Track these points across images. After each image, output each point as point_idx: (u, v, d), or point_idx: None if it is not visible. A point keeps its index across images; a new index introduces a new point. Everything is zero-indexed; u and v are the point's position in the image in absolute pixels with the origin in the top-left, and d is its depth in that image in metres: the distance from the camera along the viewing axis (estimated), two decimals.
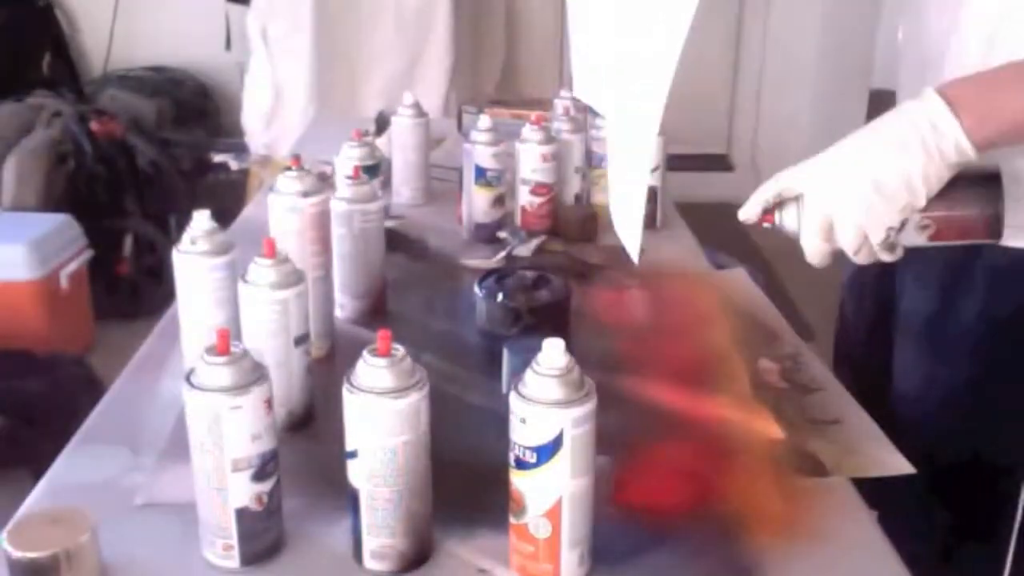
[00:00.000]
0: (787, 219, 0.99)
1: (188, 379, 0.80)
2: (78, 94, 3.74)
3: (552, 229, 1.60)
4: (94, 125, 3.25)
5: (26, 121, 3.24)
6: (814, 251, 0.97)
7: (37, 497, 0.93)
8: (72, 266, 2.97)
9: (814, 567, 0.87)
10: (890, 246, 0.96)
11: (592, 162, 1.69)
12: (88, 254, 3.07)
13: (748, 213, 1.01)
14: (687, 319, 1.36)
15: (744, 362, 1.23)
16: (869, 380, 1.28)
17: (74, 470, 0.98)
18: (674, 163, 1.71)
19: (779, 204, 0.99)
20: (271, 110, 3.08)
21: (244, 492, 0.81)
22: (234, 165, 2.94)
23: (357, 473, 0.81)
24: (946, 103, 0.90)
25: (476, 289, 1.30)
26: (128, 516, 0.88)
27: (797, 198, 0.98)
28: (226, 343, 0.80)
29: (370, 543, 0.83)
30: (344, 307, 1.31)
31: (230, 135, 3.58)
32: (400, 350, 0.81)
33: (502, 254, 1.52)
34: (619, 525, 0.91)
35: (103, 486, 0.87)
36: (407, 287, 1.41)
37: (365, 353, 0.80)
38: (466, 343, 1.29)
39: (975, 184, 0.95)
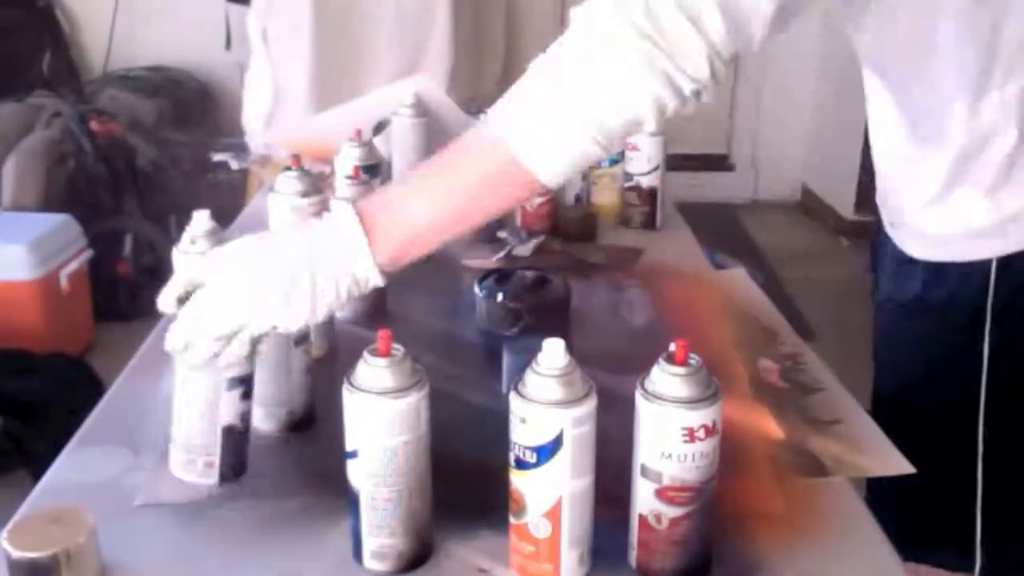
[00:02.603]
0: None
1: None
2: (78, 94, 3.74)
3: (552, 229, 1.60)
4: (94, 125, 3.25)
5: (26, 121, 3.24)
6: (177, 350, 0.86)
7: (37, 497, 0.93)
8: (72, 266, 2.97)
9: (814, 567, 0.87)
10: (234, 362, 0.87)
11: None
12: (88, 254, 3.07)
13: (163, 304, 0.89)
14: (687, 319, 1.36)
15: (744, 362, 1.23)
16: None
17: (74, 470, 0.98)
18: (674, 163, 1.71)
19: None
20: (271, 110, 3.08)
21: (233, 410, 0.85)
22: (234, 165, 2.93)
23: (357, 473, 0.81)
24: (365, 240, 0.87)
25: (476, 289, 1.30)
26: (128, 516, 0.88)
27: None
28: None
29: (370, 543, 0.83)
30: (344, 307, 1.31)
31: (230, 135, 3.58)
32: (400, 350, 0.81)
33: (502, 254, 1.52)
34: (619, 525, 0.91)
35: (103, 486, 0.87)
36: (407, 287, 1.41)
37: (365, 353, 0.80)
38: (466, 343, 1.29)
39: None
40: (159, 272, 3.11)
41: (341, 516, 0.86)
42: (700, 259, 1.61)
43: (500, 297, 1.27)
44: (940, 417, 1.18)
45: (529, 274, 1.33)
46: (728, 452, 1.03)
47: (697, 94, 0.87)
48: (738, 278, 1.51)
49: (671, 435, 0.79)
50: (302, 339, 1.02)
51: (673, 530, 0.81)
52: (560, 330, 1.24)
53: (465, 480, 0.98)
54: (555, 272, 1.36)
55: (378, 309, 1.32)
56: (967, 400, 1.14)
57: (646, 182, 1.65)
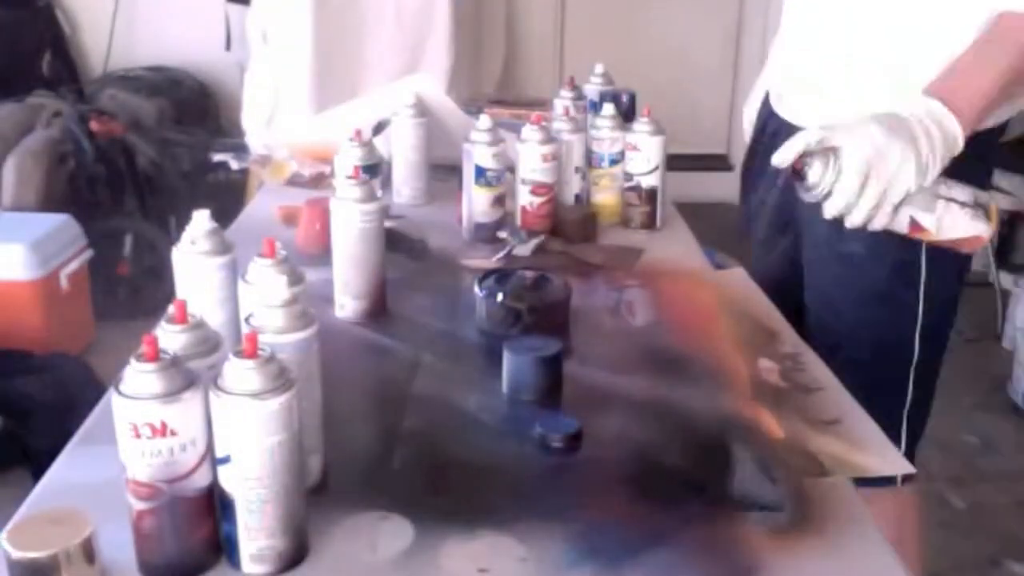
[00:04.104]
0: (813, 170, 1.14)
1: None
2: (78, 94, 3.74)
3: (552, 229, 1.60)
4: (94, 125, 3.25)
5: (26, 121, 3.24)
6: (848, 195, 1.13)
7: (37, 497, 0.93)
8: (72, 266, 2.97)
9: (814, 567, 0.87)
10: (895, 210, 1.15)
11: (592, 162, 1.69)
12: (88, 254, 3.07)
13: (784, 156, 1.17)
14: (687, 319, 1.36)
15: (744, 362, 1.23)
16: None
17: (74, 470, 0.98)
18: (674, 163, 1.71)
19: (807, 157, 1.15)
20: (271, 110, 3.08)
21: None
22: (234, 165, 2.92)
23: (231, 477, 0.80)
24: (945, 106, 1.15)
25: (476, 289, 1.30)
26: (128, 516, 0.88)
27: (827, 154, 1.13)
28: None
29: (248, 547, 0.82)
30: (344, 307, 1.31)
31: (230, 135, 3.58)
32: (267, 350, 0.79)
33: (502, 254, 1.52)
34: (619, 525, 0.91)
35: (103, 486, 0.87)
36: (407, 287, 1.41)
37: (231, 355, 0.79)
38: (466, 343, 1.29)
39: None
40: (159, 272, 3.13)
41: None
42: (700, 259, 1.61)
43: (500, 297, 1.27)
44: (882, 335, 1.38)
45: (529, 274, 1.33)
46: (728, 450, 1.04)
47: None
48: (738, 278, 1.51)
49: (122, 429, 0.77)
50: None
51: (140, 523, 0.80)
52: (560, 330, 1.25)
53: (465, 480, 0.98)
54: (555, 272, 1.36)
55: (378, 309, 1.32)
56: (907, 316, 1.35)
57: (646, 182, 1.64)
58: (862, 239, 1.27)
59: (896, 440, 1.35)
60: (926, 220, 1.17)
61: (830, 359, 1.26)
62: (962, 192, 1.18)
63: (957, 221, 1.19)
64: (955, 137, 1.15)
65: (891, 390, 1.40)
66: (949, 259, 1.31)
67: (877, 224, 1.15)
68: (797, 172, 1.15)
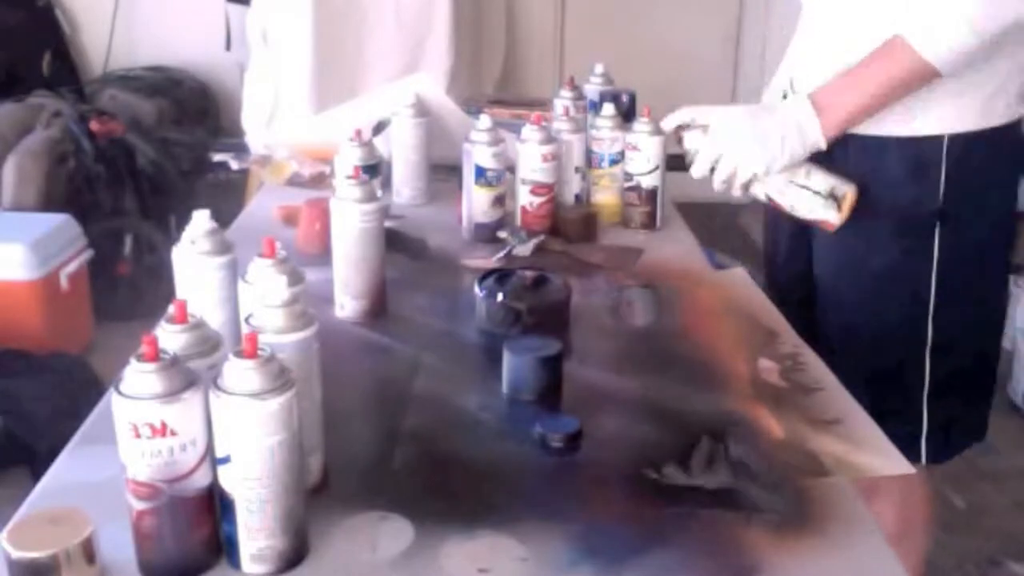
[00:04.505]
0: (690, 139, 1.42)
1: None
2: (78, 94, 3.74)
3: (552, 229, 1.60)
4: (94, 125, 3.25)
5: (26, 121, 3.24)
6: (700, 168, 1.40)
7: (37, 497, 0.93)
8: (72, 266, 2.97)
9: (814, 567, 0.87)
10: (744, 187, 1.39)
11: (592, 162, 1.69)
12: (88, 254, 3.07)
13: (668, 125, 1.46)
14: (687, 319, 1.36)
15: (744, 362, 1.23)
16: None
17: (74, 470, 0.98)
18: (674, 163, 1.71)
19: (687, 127, 1.42)
20: (271, 110, 3.08)
21: None
22: (234, 165, 2.92)
23: (231, 477, 0.80)
24: (813, 108, 1.32)
25: (476, 289, 1.30)
26: (128, 516, 0.88)
27: (703, 127, 1.40)
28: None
29: (249, 547, 0.82)
30: (344, 307, 1.31)
31: (230, 135, 3.58)
32: (267, 350, 0.79)
33: (502, 254, 1.52)
34: (619, 525, 0.91)
35: (103, 486, 0.87)
36: (407, 287, 1.41)
37: (231, 355, 0.79)
38: (466, 343, 1.29)
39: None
40: (159, 272, 3.13)
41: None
42: (700, 259, 1.61)
43: (500, 297, 1.27)
44: (892, 315, 1.41)
45: (529, 274, 1.33)
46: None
47: None
48: (738, 278, 1.52)
49: (122, 429, 0.77)
50: None
51: (140, 523, 0.80)
52: (560, 330, 1.25)
53: (465, 480, 0.98)
54: (555, 272, 1.36)
55: (378, 309, 1.32)
56: (918, 298, 1.38)
57: (646, 182, 1.65)
58: (878, 216, 1.35)
59: (917, 425, 1.41)
60: (781, 200, 1.39)
61: (840, 339, 1.32)
62: (821, 182, 1.36)
63: (808, 206, 1.37)
64: (815, 138, 1.32)
65: (907, 373, 1.41)
66: (966, 243, 1.36)
67: (734, 194, 1.40)
68: (679, 139, 1.44)
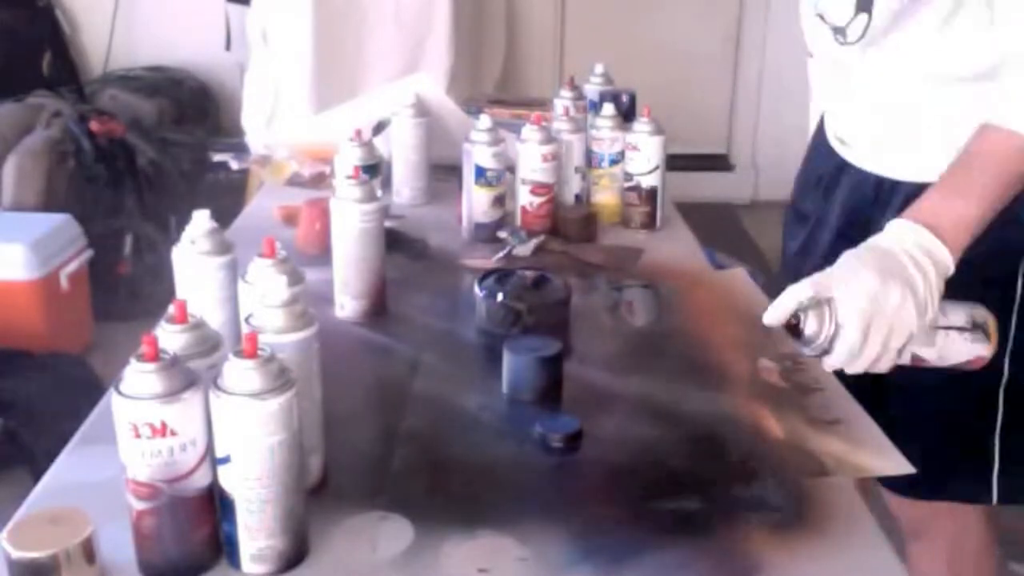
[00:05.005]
0: (809, 325, 1.04)
1: None
2: (78, 94, 3.74)
3: (552, 229, 1.60)
4: (94, 125, 3.25)
5: (26, 121, 3.24)
6: (850, 350, 1.02)
7: (37, 497, 0.93)
8: (72, 266, 2.97)
9: (814, 567, 0.87)
10: (899, 353, 1.05)
11: (592, 162, 1.69)
12: (88, 254, 3.07)
13: (776, 315, 1.06)
14: (687, 319, 1.36)
15: (744, 362, 1.23)
16: None
17: (74, 470, 0.98)
18: (674, 163, 1.71)
19: (800, 311, 1.05)
20: (271, 110, 3.08)
21: None
22: (234, 165, 2.92)
23: (231, 477, 0.80)
24: (931, 232, 1.05)
25: (476, 289, 1.30)
26: (128, 516, 0.88)
27: (822, 305, 1.03)
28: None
29: (249, 547, 0.82)
30: (344, 307, 1.31)
31: (230, 135, 3.58)
32: (267, 350, 0.79)
33: (502, 254, 1.52)
34: (619, 525, 0.91)
35: (103, 486, 0.87)
36: (407, 287, 1.41)
37: (231, 355, 0.79)
38: (466, 343, 1.29)
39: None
40: (159, 272, 3.13)
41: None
42: (700, 259, 1.61)
43: (500, 297, 1.27)
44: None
45: (529, 274, 1.33)
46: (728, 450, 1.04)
47: None
48: (738, 278, 1.51)
49: (122, 429, 0.77)
50: None
51: (140, 523, 0.80)
52: (560, 330, 1.25)
53: (465, 480, 0.98)
54: (555, 272, 1.36)
55: (378, 309, 1.32)
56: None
57: (646, 182, 1.64)
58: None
59: (988, 459, 1.30)
60: (928, 354, 1.11)
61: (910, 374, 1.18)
62: (958, 315, 1.11)
63: (958, 348, 1.12)
64: (947, 267, 1.05)
65: (979, 410, 1.30)
66: None
67: (881, 368, 1.05)
68: (791, 328, 1.06)
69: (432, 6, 3.19)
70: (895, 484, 1.02)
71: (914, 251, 1.05)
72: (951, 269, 1.06)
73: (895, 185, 1.30)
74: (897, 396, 1.21)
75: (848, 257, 1.06)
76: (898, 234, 1.06)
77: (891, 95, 1.28)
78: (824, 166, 1.44)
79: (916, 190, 1.17)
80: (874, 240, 1.07)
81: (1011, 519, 2.41)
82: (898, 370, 1.19)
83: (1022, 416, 1.30)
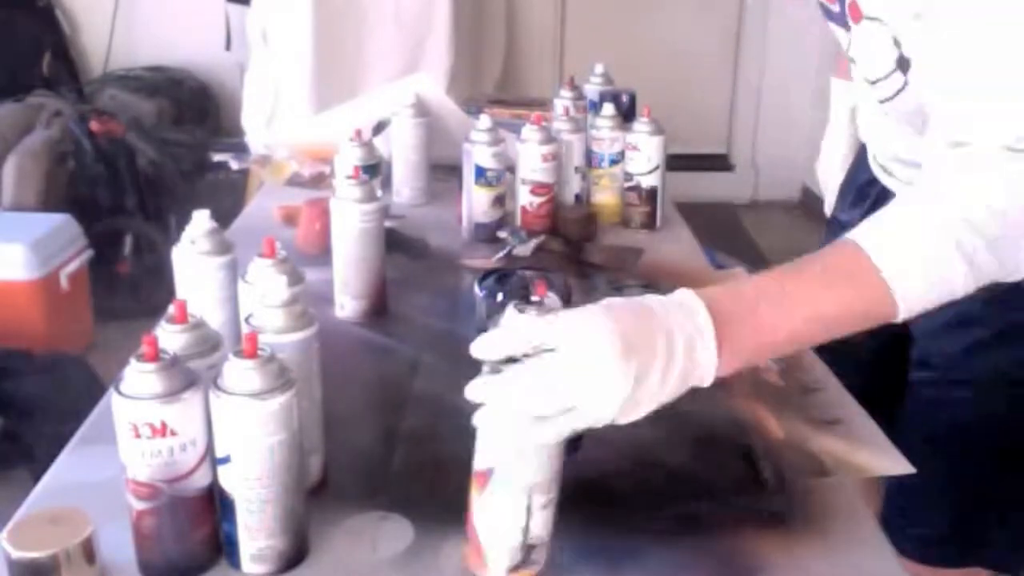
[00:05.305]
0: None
1: None
2: (78, 94, 3.74)
3: (552, 229, 1.60)
4: (94, 125, 3.25)
5: (26, 121, 3.24)
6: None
7: (37, 497, 0.93)
8: (72, 266, 2.97)
9: (814, 567, 0.87)
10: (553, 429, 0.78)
11: (592, 162, 1.69)
12: (88, 254, 3.07)
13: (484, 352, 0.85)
14: None
15: None
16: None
17: (74, 470, 0.98)
18: (674, 163, 1.71)
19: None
20: (271, 110, 3.08)
21: None
22: (234, 165, 2.93)
23: (231, 477, 0.80)
24: (714, 334, 0.78)
25: (476, 289, 1.30)
26: (128, 516, 0.88)
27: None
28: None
29: (249, 547, 0.82)
30: (344, 307, 1.31)
31: (230, 135, 3.58)
32: (267, 350, 0.79)
33: (502, 254, 1.52)
34: (619, 525, 0.91)
35: (103, 486, 0.87)
36: (407, 287, 1.41)
37: (231, 355, 0.78)
38: (466, 343, 1.28)
39: None
40: (159, 272, 3.13)
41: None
42: (700, 259, 1.61)
43: (500, 297, 1.27)
44: (1001, 423, 1.15)
45: (529, 274, 1.33)
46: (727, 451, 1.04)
47: None
48: (738, 278, 1.51)
49: (122, 429, 0.77)
50: None
51: (140, 523, 0.80)
52: None
53: (465, 480, 0.98)
54: (555, 272, 1.36)
55: (378, 309, 1.32)
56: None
57: (646, 182, 1.64)
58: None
59: None
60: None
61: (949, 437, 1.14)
62: None
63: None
64: (702, 377, 0.78)
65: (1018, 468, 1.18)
66: None
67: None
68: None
69: (432, 6, 3.19)
70: (917, 551, 0.94)
71: (674, 341, 0.77)
72: (706, 378, 0.79)
73: None
74: (933, 448, 1.12)
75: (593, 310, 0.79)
76: (668, 311, 0.79)
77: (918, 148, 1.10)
78: (863, 178, 1.37)
79: None
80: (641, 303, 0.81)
81: None
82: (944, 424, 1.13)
83: None
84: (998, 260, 0.81)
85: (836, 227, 1.44)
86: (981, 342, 1.14)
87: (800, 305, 0.81)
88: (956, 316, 1.06)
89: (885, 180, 1.29)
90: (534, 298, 0.86)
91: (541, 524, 0.81)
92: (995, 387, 1.15)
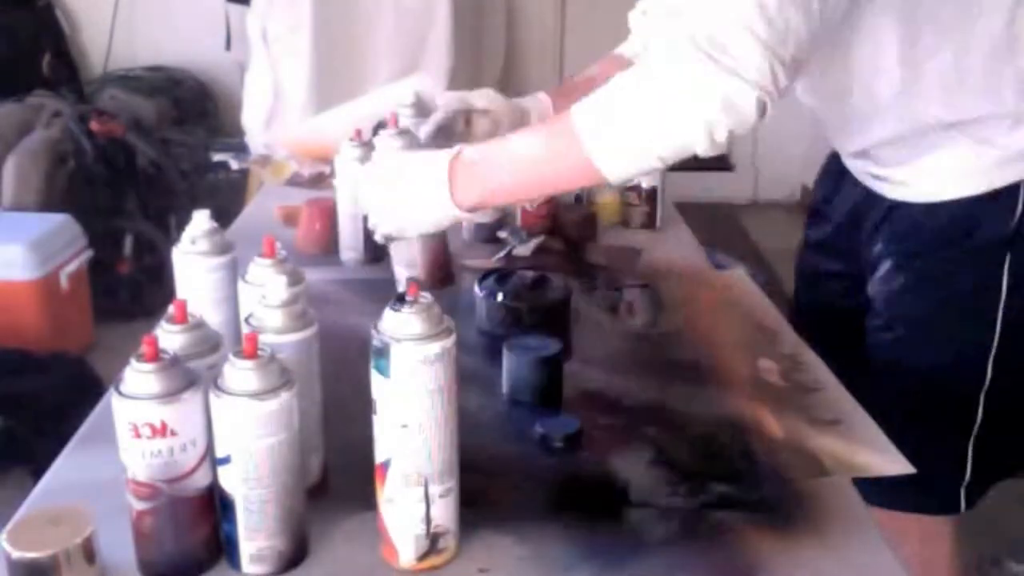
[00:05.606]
0: None
1: None
2: (78, 94, 3.74)
3: (552, 229, 1.60)
4: (94, 125, 3.25)
5: (26, 121, 3.24)
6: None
7: (37, 497, 0.93)
8: (72, 266, 2.97)
9: (814, 567, 0.87)
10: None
11: None
12: (88, 254, 3.07)
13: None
14: (687, 319, 1.36)
15: (744, 362, 1.23)
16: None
17: (74, 470, 0.98)
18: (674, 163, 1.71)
19: None
20: (271, 110, 3.08)
21: None
22: (234, 165, 2.94)
23: (231, 477, 0.80)
24: (448, 176, 1.09)
25: (476, 289, 1.30)
26: (128, 516, 0.88)
27: None
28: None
29: (248, 547, 0.82)
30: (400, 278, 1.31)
31: (230, 135, 3.58)
32: (267, 350, 0.79)
33: (502, 254, 1.52)
34: (619, 525, 0.91)
35: (103, 486, 0.87)
36: None
37: (231, 356, 0.79)
38: (466, 343, 1.28)
39: None
40: (159, 272, 3.14)
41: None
42: (700, 259, 1.61)
43: (500, 297, 1.27)
44: (947, 364, 1.26)
45: (529, 274, 1.33)
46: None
47: (762, 106, 0.97)
48: (738, 278, 1.51)
49: (122, 429, 0.77)
50: None
51: (140, 523, 0.81)
52: (560, 330, 1.25)
53: (465, 480, 0.98)
54: (555, 272, 1.36)
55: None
56: (977, 343, 1.23)
57: (646, 182, 1.64)
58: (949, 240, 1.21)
59: (961, 468, 1.29)
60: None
61: (890, 373, 1.23)
62: None
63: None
64: (449, 209, 1.11)
65: (956, 413, 1.28)
66: None
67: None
68: None
69: (432, 6, 3.19)
70: (867, 491, 1.00)
71: (430, 184, 1.10)
72: (459, 212, 1.11)
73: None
74: (878, 397, 1.17)
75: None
76: (430, 160, 1.11)
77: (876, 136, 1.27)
78: (836, 167, 1.48)
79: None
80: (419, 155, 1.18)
81: (1011, 519, 2.41)
82: (884, 373, 1.25)
83: (998, 423, 1.27)
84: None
85: (818, 218, 1.55)
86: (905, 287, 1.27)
87: (518, 157, 1.09)
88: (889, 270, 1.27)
89: (880, 188, 1.32)
90: None
91: (443, 513, 0.85)
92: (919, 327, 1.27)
